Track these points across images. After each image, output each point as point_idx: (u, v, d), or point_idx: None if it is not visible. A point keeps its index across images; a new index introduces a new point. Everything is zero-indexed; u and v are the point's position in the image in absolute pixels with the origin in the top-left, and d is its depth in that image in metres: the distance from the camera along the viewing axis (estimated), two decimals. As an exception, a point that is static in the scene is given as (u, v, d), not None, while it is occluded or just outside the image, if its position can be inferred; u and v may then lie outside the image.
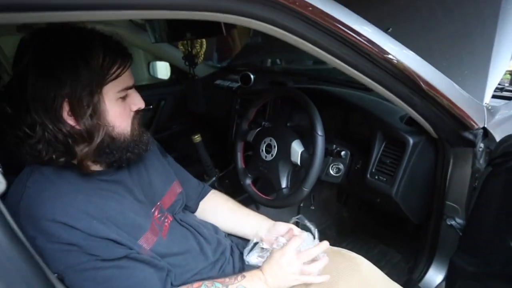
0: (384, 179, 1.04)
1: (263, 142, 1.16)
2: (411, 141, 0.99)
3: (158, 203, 0.78)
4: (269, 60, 2.50)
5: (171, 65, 2.01)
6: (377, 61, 0.74)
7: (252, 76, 1.60)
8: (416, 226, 1.26)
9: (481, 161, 1.02)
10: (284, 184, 1.09)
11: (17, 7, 0.36)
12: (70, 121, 0.60)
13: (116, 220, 0.63)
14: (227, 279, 0.73)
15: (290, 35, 0.63)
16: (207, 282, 0.72)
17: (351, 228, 1.67)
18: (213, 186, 1.53)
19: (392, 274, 1.40)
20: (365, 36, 0.70)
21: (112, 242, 0.61)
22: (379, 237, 1.55)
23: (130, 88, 0.67)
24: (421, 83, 0.80)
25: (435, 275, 1.14)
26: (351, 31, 0.68)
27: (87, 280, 0.59)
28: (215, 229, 0.91)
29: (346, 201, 1.75)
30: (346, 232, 1.65)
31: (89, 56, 0.59)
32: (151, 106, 1.95)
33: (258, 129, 1.22)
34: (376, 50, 0.71)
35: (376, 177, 1.06)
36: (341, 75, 1.68)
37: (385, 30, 0.77)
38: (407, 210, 1.08)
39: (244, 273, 0.75)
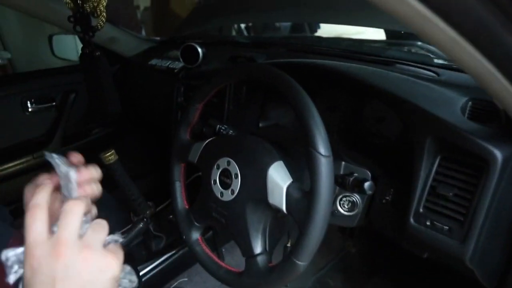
0: (446, 227, 0.62)
1: (215, 166, 0.71)
2: (499, 156, 0.57)
3: None
4: (232, 30, 2.06)
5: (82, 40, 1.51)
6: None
7: (200, 50, 1.14)
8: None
9: None
10: (258, 246, 0.65)
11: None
12: None
13: None
14: None
15: None
16: None
17: (365, 272, 1.27)
18: (147, 232, 1.08)
19: None
20: None
21: None
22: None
23: None
24: None
25: None
26: None
27: None
28: None
29: (352, 230, 1.35)
30: (356, 278, 1.26)
31: None
32: (54, 103, 1.45)
33: (207, 141, 0.77)
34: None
35: (428, 223, 0.65)
36: (341, 43, 1.26)
37: None
38: (482, 275, 0.67)
39: None
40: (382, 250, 1.31)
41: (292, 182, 0.62)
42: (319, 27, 2.12)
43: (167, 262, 1.08)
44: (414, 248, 0.74)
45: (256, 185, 0.64)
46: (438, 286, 1.15)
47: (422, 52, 0.98)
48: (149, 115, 1.52)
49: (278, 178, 0.62)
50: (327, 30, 2.05)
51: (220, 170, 0.70)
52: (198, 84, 1.14)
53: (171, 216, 1.19)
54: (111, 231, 0.83)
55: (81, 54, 0.92)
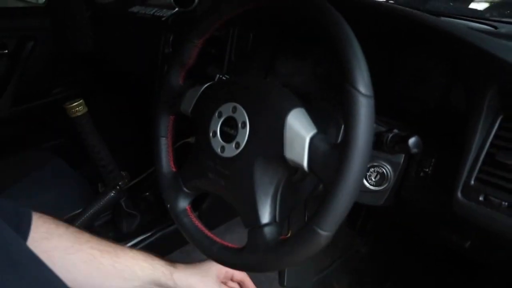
0: (505, 203, 0.58)
1: (216, 114, 0.65)
2: None
3: None
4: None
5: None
6: None
7: (197, -10, 1.08)
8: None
9: None
10: (266, 215, 0.59)
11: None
12: None
13: None
14: None
15: None
16: None
17: (376, 276, 1.24)
18: (118, 208, 1.01)
19: None
20: None
21: None
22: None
23: None
24: None
25: None
26: None
27: None
28: None
29: (363, 225, 1.31)
30: (366, 282, 1.22)
31: None
32: (6, 51, 1.36)
33: (206, 85, 0.71)
34: None
35: (482, 199, 0.60)
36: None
37: None
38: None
39: None
40: (398, 251, 1.28)
41: (317, 132, 0.56)
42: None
43: (140, 246, 1.01)
44: (456, 234, 0.70)
45: (270, 136, 0.58)
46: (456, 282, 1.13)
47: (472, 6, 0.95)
48: (127, 73, 1.45)
49: (300, 127, 0.56)
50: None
51: (222, 119, 0.64)
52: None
53: (147, 193, 1.12)
54: (73, 208, 0.75)
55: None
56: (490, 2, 1.07)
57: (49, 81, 1.49)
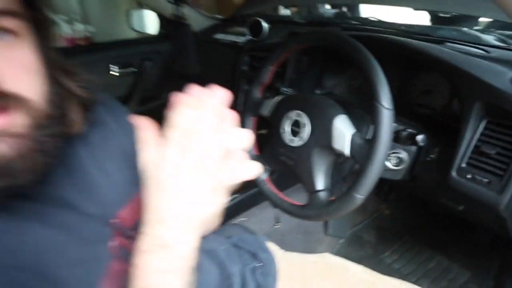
0: (486, 180, 0.68)
1: (285, 117, 0.79)
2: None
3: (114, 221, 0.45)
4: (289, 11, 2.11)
5: (160, 17, 1.61)
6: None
7: (265, 24, 1.21)
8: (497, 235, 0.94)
9: None
10: (321, 184, 0.73)
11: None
12: None
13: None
14: None
15: None
16: None
17: (396, 231, 1.33)
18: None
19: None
20: None
21: None
22: (436, 246, 1.22)
23: None
24: None
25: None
26: None
27: None
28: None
29: (387, 194, 1.40)
30: (388, 237, 1.32)
31: None
32: (132, 68, 1.57)
33: (279, 98, 0.85)
34: None
35: (470, 176, 0.70)
36: (393, 25, 1.26)
37: None
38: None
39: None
40: (413, 214, 1.36)
41: (356, 131, 0.69)
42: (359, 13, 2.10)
43: (231, 203, 1.19)
44: (452, 200, 0.80)
45: (323, 133, 0.72)
46: (455, 237, 1.20)
47: (471, 32, 1.00)
48: (209, 83, 1.61)
49: (343, 128, 0.69)
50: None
51: (291, 121, 0.78)
52: (263, 55, 1.21)
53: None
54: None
55: (169, 21, 1.01)
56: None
57: (160, 89, 1.69)
